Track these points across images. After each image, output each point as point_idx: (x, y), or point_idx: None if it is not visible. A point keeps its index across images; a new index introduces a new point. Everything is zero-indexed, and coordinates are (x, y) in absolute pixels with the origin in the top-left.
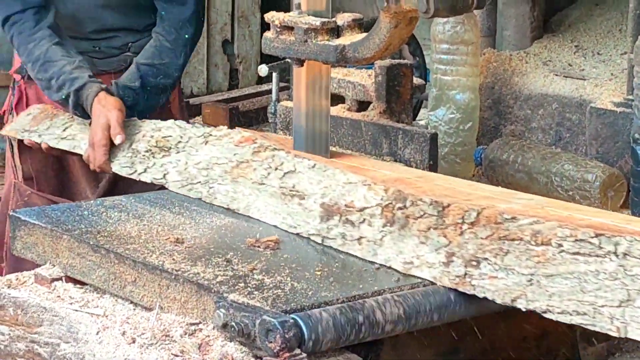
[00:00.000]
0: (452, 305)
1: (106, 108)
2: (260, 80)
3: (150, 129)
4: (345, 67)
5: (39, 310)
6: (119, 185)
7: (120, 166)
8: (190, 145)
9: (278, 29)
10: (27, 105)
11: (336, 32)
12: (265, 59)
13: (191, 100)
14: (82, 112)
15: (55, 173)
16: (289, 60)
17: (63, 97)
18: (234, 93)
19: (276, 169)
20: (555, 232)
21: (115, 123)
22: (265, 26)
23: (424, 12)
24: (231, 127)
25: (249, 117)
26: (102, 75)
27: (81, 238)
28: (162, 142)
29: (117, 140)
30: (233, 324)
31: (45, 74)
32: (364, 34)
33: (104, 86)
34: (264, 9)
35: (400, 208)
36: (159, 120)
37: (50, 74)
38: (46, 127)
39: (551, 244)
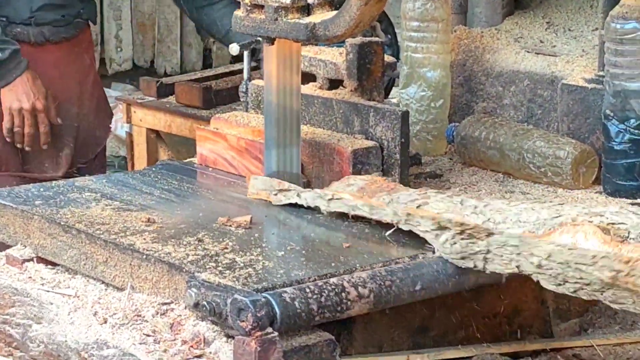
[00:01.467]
0: (426, 282)
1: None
2: (235, 59)
3: (584, 213)
4: (316, 45)
5: (10, 292)
6: (81, 152)
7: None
8: None
9: (248, 8)
10: None
11: (306, 10)
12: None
13: (164, 80)
14: None
15: (15, 150)
16: (260, 38)
17: None
18: (207, 72)
19: None
20: None
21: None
22: (238, 6)
23: None
24: (205, 105)
25: (223, 96)
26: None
27: (52, 218)
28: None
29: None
30: (204, 303)
31: None
32: (335, 12)
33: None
34: None
35: None
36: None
37: None
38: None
39: None
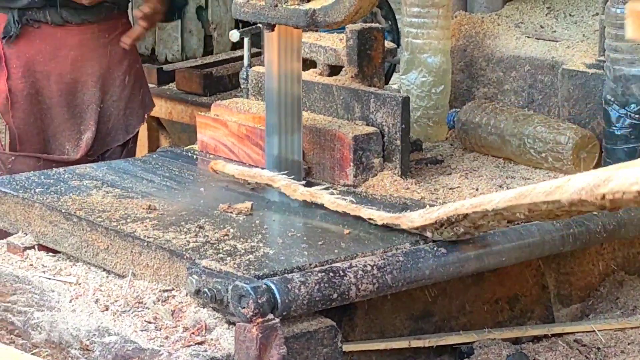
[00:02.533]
0: (427, 268)
1: None
2: (235, 46)
3: None
4: (316, 31)
5: (12, 279)
6: (101, 139)
7: None
8: None
9: None
10: (7, 67)
11: None
12: (240, 25)
13: (165, 67)
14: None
15: (37, 130)
16: (260, 25)
17: None
18: (208, 59)
19: None
20: None
21: None
22: None
23: None
24: (204, 93)
25: (223, 83)
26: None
27: (53, 206)
28: None
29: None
30: (206, 290)
31: None
32: None
33: None
34: None
35: None
36: None
37: None
38: None
39: None
